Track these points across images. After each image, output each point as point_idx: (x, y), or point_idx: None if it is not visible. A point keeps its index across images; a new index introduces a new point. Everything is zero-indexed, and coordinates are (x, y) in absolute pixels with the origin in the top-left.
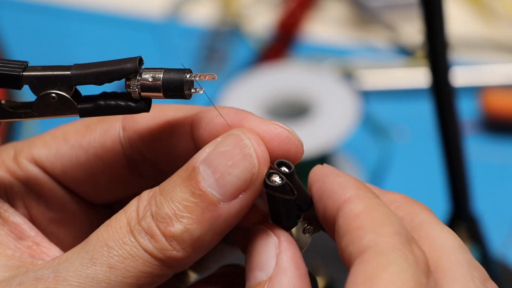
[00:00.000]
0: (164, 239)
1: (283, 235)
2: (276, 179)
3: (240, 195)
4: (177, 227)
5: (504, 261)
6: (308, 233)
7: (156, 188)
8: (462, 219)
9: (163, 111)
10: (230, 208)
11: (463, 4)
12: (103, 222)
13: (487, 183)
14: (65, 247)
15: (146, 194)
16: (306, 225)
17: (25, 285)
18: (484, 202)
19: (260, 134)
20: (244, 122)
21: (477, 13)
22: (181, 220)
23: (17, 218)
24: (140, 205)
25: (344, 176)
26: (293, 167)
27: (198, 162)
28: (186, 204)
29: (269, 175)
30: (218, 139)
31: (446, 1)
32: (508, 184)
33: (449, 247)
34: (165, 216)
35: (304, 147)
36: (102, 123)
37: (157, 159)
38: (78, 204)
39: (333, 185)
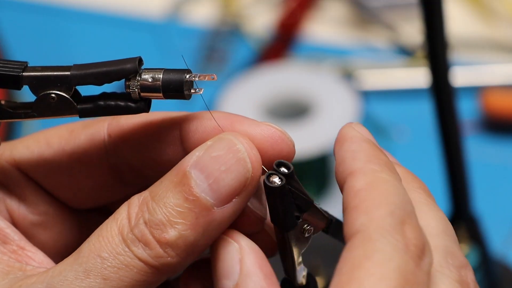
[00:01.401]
0: (158, 246)
1: (243, 240)
2: (276, 180)
3: (234, 199)
4: (171, 234)
5: (504, 261)
6: (308, 233)
7: (146, 193)
8: (462, 219)
9: (150, 116)
10: (224, 212)
11: (463, 4)
12: (84, 227)
13: (487, 183)
14: (46, 251)
15: (136, 200)
16: (306, 225)
17: None
18: (484, 202)
19: (253, 135)
20: (236, 125)
21: (477, 13)
22: (175, 226)
23: (0, 222)
24: (131, 211)
25: (359, 144)
26: (292, 167)
27: (188, 167)
28: (180, 210)
29: (268, 176)
30: (208, 142)
31: (446, 1)
32: (508, 184)
33: (429, 231)
34: (159, 222)
35: (296, 148)
36: (87, 129)
37: (143, 165)
38: (60, 208)
39: (346, 153)
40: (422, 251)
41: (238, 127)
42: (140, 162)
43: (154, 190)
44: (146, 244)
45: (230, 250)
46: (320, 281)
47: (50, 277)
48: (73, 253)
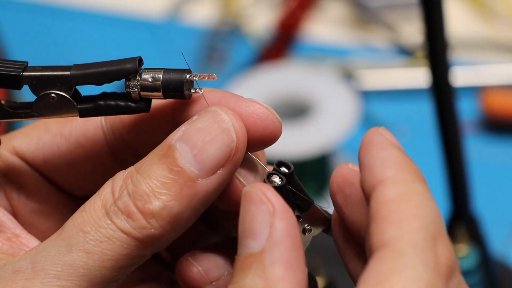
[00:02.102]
0: (142, 217)
1: (278, 202)
2: (276, 179)
3: (219, 171)
4: (155, 204)
5: (504, 261)
6: (308, 233)
7: (132, 168)
8: (462, 219)
9: None
10: (209, 184)
11: (463, 4)
12: None
13: (487, 183)
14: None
15: (120, 175)
16: (306, 225)
17: (3, 279)
18: (484, 202)
19: (238, 112)
20: (223, 101)
21: (477, 13)
22: (159, 197)
23: None
24: (115, 185)
25: (389, 151)
26: (292, 167)
27: (174, 140)
28: (164, 181)
29: (268, 175)
30: (194, 117)
31: (446, 1)
32: (508, 184)
33: None
34: (143, 193)
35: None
36: None
37: (139, 145)
38: (60, 196)
39: (375, 159)
40: (452, 270)
41: (224, 103)
42: (136, 142)
43: (139, 164)
44: (129, 215)
45: (262, 211)
46: (320, 281)
47: (34, 254)
48: (58, 230)
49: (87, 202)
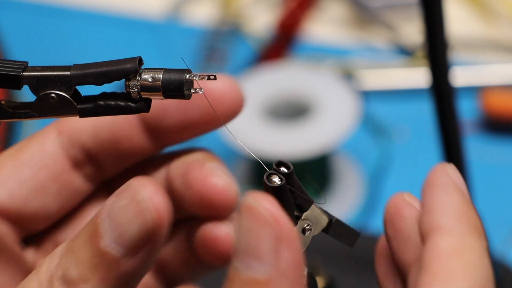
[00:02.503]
0: None
1: (285, 224)
2: (275, 179)
3: (143, 249)
4: None
5: (504, 261)
6: (308, 233)
7: (67, 244)
8: None
9: None
10: (134, 263)
11: (463, 4)
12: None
13: (487, 183)
14: None
15: (58, 252)
16: (306, 225)
17: None
18: (484, 202)
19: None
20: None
21: (477, 13)
22: (87, 283)
23: None
24: (51, 265)
25: (451, 196)
26: (292, 167)
27: (103, 215)
28: (90, 265)
29: (268, 175)
30: (122, 187)
31: (446, 1)
32: (508, 184)
33: None
34: (71, 280)
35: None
36: (33, 137)
37: (103, 154)
38: (17, 248)
39: (435, 202)
40: None
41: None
42: (100, 150)
43: (72, 242)
44: None
45: (269, 233)
46: (320, 281)
47: None
48: None
49: (27, 279)
